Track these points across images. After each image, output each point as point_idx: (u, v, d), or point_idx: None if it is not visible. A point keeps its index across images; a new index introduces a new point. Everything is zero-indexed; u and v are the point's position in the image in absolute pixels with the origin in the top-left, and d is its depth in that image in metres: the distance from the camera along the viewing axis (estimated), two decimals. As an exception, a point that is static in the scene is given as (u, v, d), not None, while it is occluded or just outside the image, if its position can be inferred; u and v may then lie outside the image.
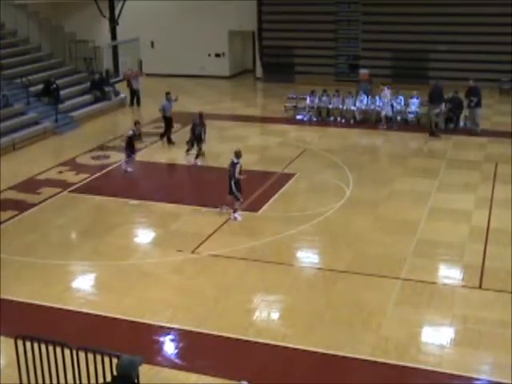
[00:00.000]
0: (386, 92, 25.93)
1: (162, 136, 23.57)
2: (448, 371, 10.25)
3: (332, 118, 26.55)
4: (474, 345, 10.97)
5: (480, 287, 12.88)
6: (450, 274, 13.63)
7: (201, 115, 21.29)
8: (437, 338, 11.25)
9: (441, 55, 31.37)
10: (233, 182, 16.10)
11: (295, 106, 27.50)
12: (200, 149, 20.99)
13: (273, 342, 11.03)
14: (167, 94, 23.78)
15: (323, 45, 33.54)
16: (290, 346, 10.94)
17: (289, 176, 19.54)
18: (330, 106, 26.69)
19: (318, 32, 33.30)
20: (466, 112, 24.82)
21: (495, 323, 11.58)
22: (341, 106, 26.48)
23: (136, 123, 20.85)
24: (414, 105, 25.62)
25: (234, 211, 16.26)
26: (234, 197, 16.23)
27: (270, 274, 13.59)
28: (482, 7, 30.28)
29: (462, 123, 24.81)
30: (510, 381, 9.91)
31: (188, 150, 21.33)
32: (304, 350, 10.82)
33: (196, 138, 21.02)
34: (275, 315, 12.20)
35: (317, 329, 11.47)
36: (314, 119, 26.51)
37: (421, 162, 21.04)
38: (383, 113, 25.40)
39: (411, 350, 10.81)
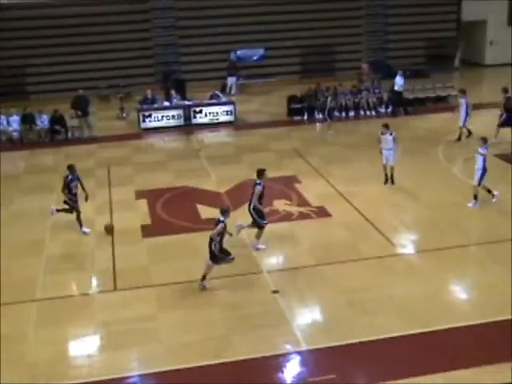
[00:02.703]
0: None
1: None
2: (100, 378, 10.27)
3: None
4: (121, 345, 11.18)
5: (115, 289, 13.16)
6: (95, 284, 13.66)
7: (72, 167, 16.16)
8: (84, 349, 11.20)
9: (39, 69, 30.84)
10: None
11: None
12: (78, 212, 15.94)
13: None
14: None
15: None
16: None
17: None
18: None
19: None
20: (73, 122, 25.04)
21: (136, 320, 11.94)
22: None
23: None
24: (16, 122, 24.81)
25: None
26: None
27: None
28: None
29: (70, 134, 24.91)
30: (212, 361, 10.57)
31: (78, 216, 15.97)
32: None
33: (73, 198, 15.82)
34: None
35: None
36: None
37: (36, 179, 20.56)
38: None
39: (60, 368, 10.58)
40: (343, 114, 26.36)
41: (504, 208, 16.38)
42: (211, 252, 12.83)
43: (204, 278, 12.92)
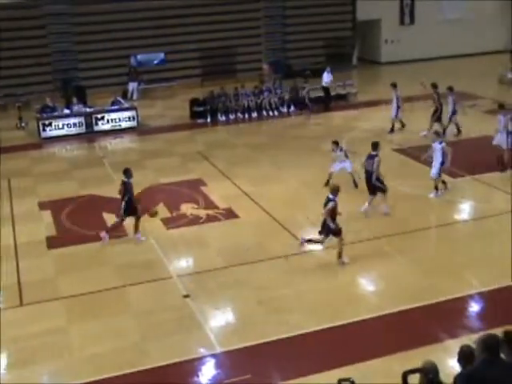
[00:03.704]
0: None
1: None
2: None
3: None
4: (31, 361, 10.89)
5: (21, 304, 12.78)
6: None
7: (128, 170, 15.69)
8: (-9, 369, 10.85)
9: None
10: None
11: None
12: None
13: None
14: None
15: None
16: None
17: None
18: None
19: None
20: None
21: (46, 334, 11.65)
22: None
23: None
24: None
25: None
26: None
27: None
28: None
29: None
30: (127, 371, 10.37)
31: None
32: None
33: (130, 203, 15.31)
34: None
35: None
36: None
37: None
38: None
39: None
40: (246, 116, 26.56)
41: (406, 201, 16.96)
42: (328, 228, 13.64)
43: (340, 255, 13.76)
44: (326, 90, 27.28)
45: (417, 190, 17.42)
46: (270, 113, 26.79)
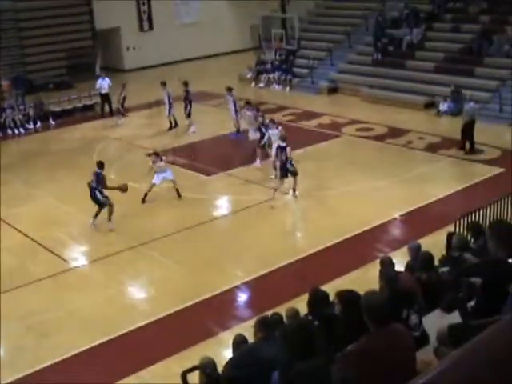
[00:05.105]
0: None
1: None
2: None
3: None
4: None
5: None
6: None
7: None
8: None
9: None
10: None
11: None
12: None
13: None
14: None
15: None
16: None
17: None
18: None
19: None
20: None
21: None
22: None
23: None
24: None
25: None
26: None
27: None
28: None
29: None
30: None
31: None
32: None
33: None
34: None
35: None
36: None
37: None
38: None
39: None
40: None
41: (167, 203, 17.12)
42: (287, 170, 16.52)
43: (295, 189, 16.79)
44: (104, 96, 26.46)
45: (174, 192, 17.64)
46: (16, 131, 25.49)
